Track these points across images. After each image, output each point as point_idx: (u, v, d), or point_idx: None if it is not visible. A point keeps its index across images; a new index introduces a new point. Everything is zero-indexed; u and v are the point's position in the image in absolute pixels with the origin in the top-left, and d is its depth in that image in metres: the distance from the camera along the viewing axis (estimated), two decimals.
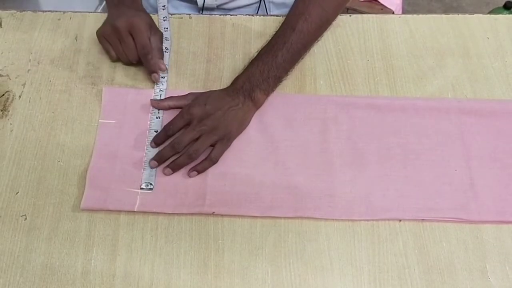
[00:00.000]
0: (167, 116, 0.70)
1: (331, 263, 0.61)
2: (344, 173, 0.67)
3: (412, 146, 0.69)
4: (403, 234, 0.63)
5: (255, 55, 0.72)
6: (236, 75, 0.75)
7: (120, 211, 0.63)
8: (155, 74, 0.71)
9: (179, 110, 0.70)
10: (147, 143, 0.68)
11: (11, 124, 0.70)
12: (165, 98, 0.71)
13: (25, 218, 0.63)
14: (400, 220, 0.64)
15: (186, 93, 0.71)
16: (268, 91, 0.70)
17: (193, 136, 0.66)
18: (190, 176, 0.65)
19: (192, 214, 0.63)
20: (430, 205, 0.65)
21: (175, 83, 0.74)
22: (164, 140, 0.68)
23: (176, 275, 0.60)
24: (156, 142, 0.67)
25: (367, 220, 0.64)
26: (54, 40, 0.78)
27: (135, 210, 0.63)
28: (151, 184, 0.64)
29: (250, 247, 0.62)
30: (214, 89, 0.73)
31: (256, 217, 0.64)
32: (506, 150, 0.69)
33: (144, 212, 0.63)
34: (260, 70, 0.69)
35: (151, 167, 0.66)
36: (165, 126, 0.68)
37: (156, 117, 0.70)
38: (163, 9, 0.80)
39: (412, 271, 0.61)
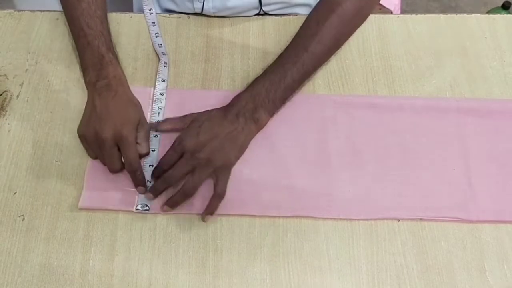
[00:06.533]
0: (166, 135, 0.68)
1: (329, 262, 0.61)
2: (342, 172, 0.67)
3: (410, 146, 0.69)
4: (401, 234, 0.63)
5: (260, 74, 0.68)
6: (234, 75, 0.75)
7: (118, 211, 0.63)
8: (141, 188, 0.63)
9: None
10: (143, 164, 0.65)
11: (9, 124, 0.70)
12: (164, 120, 0.67)
13: (23, 219, 0.63)
14: (398, 220, 0.64)
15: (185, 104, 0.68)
16: (273, 112, 0.67)
17: (185, 170, 0.62)
18: (204, 221, 0.62)
19: (190, 213, 0.63)
20: (428, 204, 0.65)
21: (174, 82, 0.74)
22: (162, 174, 0.63)
23: (175, 275, 0.60)
24: (155, 177, 0.64)
25: (366, 219, 0.64)
26: (52, 39, 0.78)
27: (134, 210, 0.63)
28: (147, 205, 0.63)
29: (249, 246, 0.62)
30: (212, 88, 0.73)
31: (255, 216, 0.64)
32: (504, 149, 0.69)
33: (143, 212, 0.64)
34: (267, 90, 0.66)
35: (148, 199, 0.63)
36: (160, 160, 0.64)
37: (153, 136, 0.68)
38: (150, 14, 0.80)
39: (411, 271, 0.61)
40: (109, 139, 0.61)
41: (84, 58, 0.68)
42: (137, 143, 0.64)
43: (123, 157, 0.63)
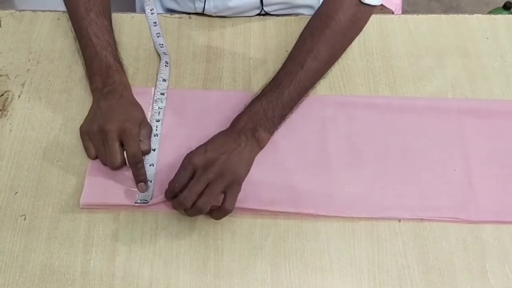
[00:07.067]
0: (164, 133, 0.68)
1: (330, 263, 0.61)
2: (342, 172, 0.67)
3: (411, 146, 0.69)
4: (402, 234, 0.63)
5: (258, 93, 0.68)
6: (235, 75, 0.75)
7: (119, 210, 0.63)
8: (142, 184, 0.63)
9: (180, 118, 0.68)
10: (145, 161, 0.66)
11: (10, 124, 0.70)
12: (172, 185, 0.62)
13: (25, 218, 0.63)
14: (399, 220, 0.64)
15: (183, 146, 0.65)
16: (273, 130, 0.67)
17: (200, 189, 0.59)
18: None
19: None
20: (428, 204, 0.65)
21: (175, 82, 0.74)
22: (174, 196, 0.61)
23: (176, 275, 0.60)
24: (169, 198, 0.62)
25: (367, 219, 0.64)
26: (54, 39, 0.78)
27: (135, 204, 0.63)
28: (146, 201, 0.63)
29: (250, 247, 0.62)
30: (213, 88, 0.73)
31: (256, 217, 0.64)
32: (505, 150, 0.69)
33: (144, 212, 0.64)
34: (264, 109, 0.65)
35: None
36: (170, 183, 0.61)
37: (153, 135, 0.68)
38: (151, 14, 0.80)
39: (412, 271, 0.61)
40: (113, 130, 0.63)
41: (91, 67, 0.70)
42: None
43: (126, 150, 0.64)
